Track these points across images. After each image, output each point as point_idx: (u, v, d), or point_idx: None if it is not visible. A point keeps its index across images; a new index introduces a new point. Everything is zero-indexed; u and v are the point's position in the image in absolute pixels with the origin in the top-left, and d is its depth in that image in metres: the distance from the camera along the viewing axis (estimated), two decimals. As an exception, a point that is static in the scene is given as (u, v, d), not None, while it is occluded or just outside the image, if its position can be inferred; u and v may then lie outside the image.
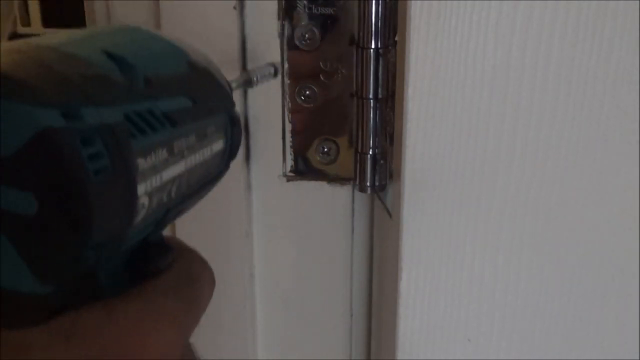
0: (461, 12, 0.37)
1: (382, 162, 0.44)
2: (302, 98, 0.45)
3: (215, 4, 0.43)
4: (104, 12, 0.45)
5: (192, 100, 0.27)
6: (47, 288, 0.21)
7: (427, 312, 0.42)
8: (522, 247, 0.41)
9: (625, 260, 0.42)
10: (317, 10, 0.43)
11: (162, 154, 0.24)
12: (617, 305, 0.43)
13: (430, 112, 0.39)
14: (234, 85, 0.35)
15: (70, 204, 0.20)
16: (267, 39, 0.44)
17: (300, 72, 0.45)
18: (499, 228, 0.41)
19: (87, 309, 0.23)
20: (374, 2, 0.41)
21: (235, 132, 0.31)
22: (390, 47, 0.42)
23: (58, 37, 0.24)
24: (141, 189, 0.23)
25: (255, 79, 0.38)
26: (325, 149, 0.46)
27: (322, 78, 0.45)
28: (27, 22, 3.09)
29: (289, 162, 0.47)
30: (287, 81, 0.45)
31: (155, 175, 0.24)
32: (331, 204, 0.48)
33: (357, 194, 0.48)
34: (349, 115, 0.45)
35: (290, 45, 0.44)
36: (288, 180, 0.48)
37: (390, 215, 0.44)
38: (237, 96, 0.45)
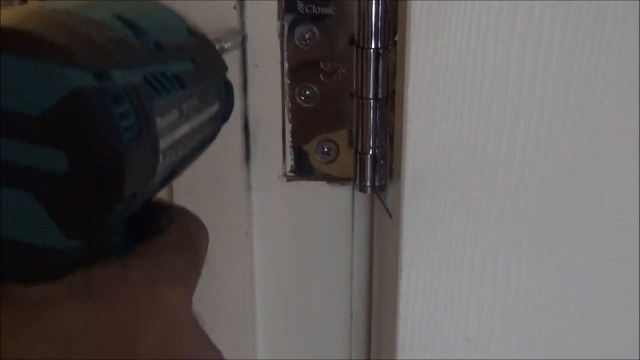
0: (461, 12, 0.37)
1: (382, 162, 0.44)
2: (302, 98, 0.45)
3: (215, 4, 0.43)
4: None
5: (195, 64, 0.28)
6: (72, 243, 0.22)
7: (427, 312, 0.42)
8: (522, 247, 0.41)
9: (625, 260, 0.42)
10: (317, 10, 0.43)
11: (174, 114, 0.25)
12: (617, 305, 0.43)
13: (430, 112, 0.39)
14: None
15: (104, 162, 0.20)
16: (267, 39, 0.44)
17: (300, 72, 0.45)
18: (499, 228, 0.41)
19: (103, 265, 0.23)
20: (374, 2, 0.41)
21: (228, 96, 0.32)
22: (390, 47, 0.42)
23: (68, 2, 0.25)
24: (160, 145, 0.23)
25: (225, 46, 0.39)
26: (325, 149, 0.46)
27: (322, 78, 0.45)
28: (27, 22, 3.08)
29: (289, 162, 0.47)
30: (287, 81, 0.45)
31: (169, 134, 0.25)
32: (331, 204, 0.48)
33: (357, 194, 0.48)
34: (349, 115, 0.45)
35: (290, 45, 0.44)
36: (288, 180, 0.48)
37: (390, 215, 0.44)
38: (237, 96, 0.45)
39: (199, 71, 0.28)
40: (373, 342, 0.51)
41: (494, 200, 0.40)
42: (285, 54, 0.45)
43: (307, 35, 0.44)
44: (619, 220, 0.41)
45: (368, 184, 0.45)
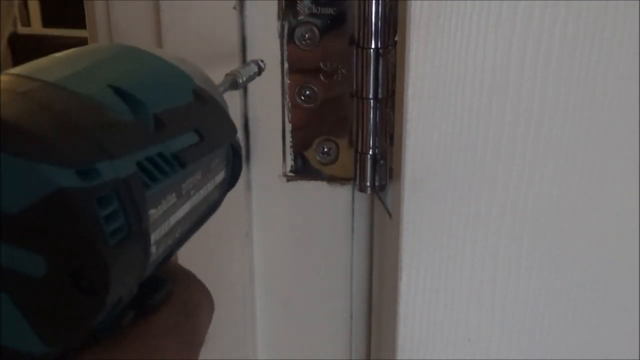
0: (461, 12, 0.37)
1: (382, 162, 0.44)
2: (302, 98, 0.45)
3: (215, 4, 0.43)
4: (104, 12, 0.45)
5: (200, 135, 0.26)
6: (50, 349, 0.20)
7: (427, 312, 0.42)
8: (522, 247, 0.41)
9: (625, 260, 0.42)
10: (317, 10, 0.43)
11: (172, 198, 0.23)
12: (617, 305, 0.43)
13: (430, 112, 0.39)
14: (220, 90, 0.34)
15: (87, 270, 0.19)
16: (267, 39, 0.44)
17: (300, 72, 0.45)
18: (499, 228, 0.41)
19: (86, 357, 0.21)
20: (374, 2, 0.41)
21: (236, 162, 0.30)
22: (390, 47, 0.42)
23: (60, 66, 0.23)
24: (152, 239, 0.22)
25: (240, 80, 0.38)
26: (325, 149, 0.46)
27: (322, 78, 0.45)
28: (27, 22, 3.09)
29: (289, 162, 0.47)
30: (287, 81, 0.45)
31: (165, 222, 0.23)
32: (331, 204, 0.48)
33: (357, 194, 0.48)
34: (349, 115, 0.45)
35: (290, 45, 0.44)
36: (288, 180, 0.48)
37: (390, 215, 0.44)
38: (237, 96, 0.45)
39: (203, 144, 0.26)
40: (373, 342, 0.51)
41: (494, 200, 0.40)
42: (285, 54, 0.45)
43: (307, 35, 0.44)
44: (619, 220, 0.41)
45: (368, 184, 0.45)
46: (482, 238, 0.41)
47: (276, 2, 0.44)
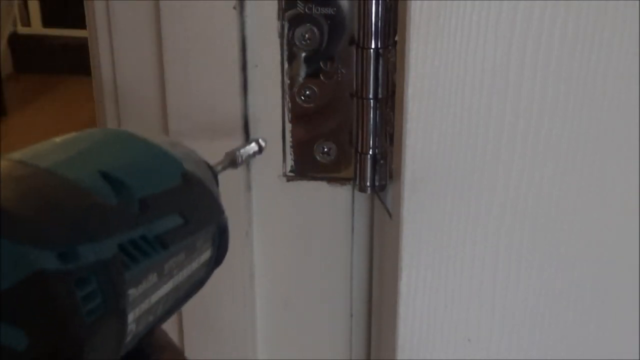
0: (461, 12, 0.37)
1: (382, 162, 0.44)
2: (302, 98, 0.45)
3: (215, 4, 0.43)
4: (104, 12, 0.45)
5: (184, 217, 0.27)
6: None
7: (427, 312, 0.42)
8: (522, 247, 0.41)
9: (625, 260, 0.42)
10: (317, 10, 0.43)
11: (153, 278, 0.24)
12: (617, 305, 0.43)
13: (430, 112, 0.39)
14: (218, 169, 0.35)
15: (62, 346, 0.20)
16: (267, 39, 0.44)
17: (300, 72, 0.45)
18: (499, 228, 0.41)
19: None
20: (374, 2, 0.41)
21: (223, 241, 0.31)
22: (390, 47, 0.42)
23: (55, 152, 0.24)
24: (130, 317, 0.23)
25: (239, 159, 0.38)
26: (325, 149, 0.46)
27: (322, 78, 0.45)
28: (27, 22, 3.09)
29: (289, 162, 0.47)
30: (287, 81, 0.45)
31: (145, 300, 0.24)
32: (331, 204, 0.48)
33: (357, 194, 0.48)
34: (349, 115, 0.45)
35: (290, 45, 0.44)
36: (288, 180, 0.48)
37: (390, 215, 0.44)
38: (237, 96, 0.45)
39: (187, 226, 0.27)
40: (373, 342, 0.51)
41: (493, 200, 0.40)
42: (285, 54, 0.45)
43: (307, 35, 0.44)
44: (619, 220, 0.41)
45: (368, 184, 0.45)
46: (482, 238, 0.41)
47: (276, 2, 0.44)
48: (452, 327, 0.43)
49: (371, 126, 0.44)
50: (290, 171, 0.47)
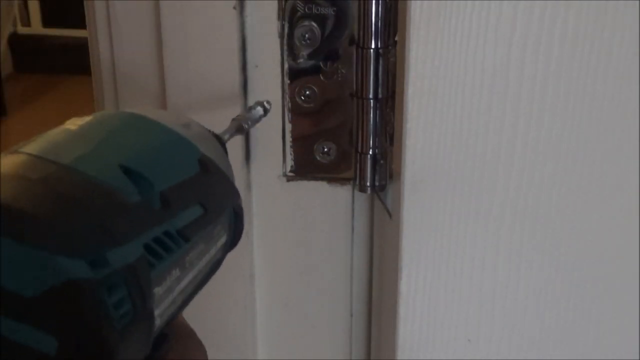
0: (461, 12, 0.37)
1: (382, 162, 0.44)
2: (302, 98, 0.45)
3: (215, 4, 0.43)
4: (104, 12, 0.45)
5: (204, 207, 0.27)
6: None
7: (427, 312, 0.42)
8: (522, 247, 0.41)
9: (625, 260, 0.42)
10: (317, 10, 0.43)
11: (175, 273, 0.24)
12: (617, 305, 0.43)
13: (430, 112, 0.39)
14: (226, 137, 0.35)
15: (94, 353, 0.20)
16: (267, 39, 0.44)
17: (300, 72, 0.45)
18: (499, 228, 0.41)
19: None
20: (374, 2, 0.41)
21: (238, 224, 0.31)
22: (390, 47, 0.42)
23: (73, 144, 0.24)
24: (156, 313, 0.23)
25: (246, 125, 0.38)
26: (325, 149, 0.46)
27: (322, 78, 0.45)
28: (27, 22, 3.08)
29: (289, 162, 0.47)
30: (287, 81, 0.45)
31: (169, 296, 0.24)
32: (331, 204, 0.48)
33: (357, 194, 0.48)
34: (349, 115, 0.45)
35: (290, 45, 0.44)
36: (288, 180, 0.48)
37: (390, 215, 0.44)
38: (237, 97, 0.45)
39: (207, 215, 0.27)
40: (373, 342, 0.51)
41: (494, 201, 0.40)
42: (285, 54, 0.45)
43: (307, 35, 0.44)
44: (619, 220, 0.41)
45: (368, 184, 0.45)
46: (482, 238, 0.41)
47: (276, 2, 0.44)
48: (452, 327, 0.43)
49: (371, 126, 0.44)
50: (290, 171, 0.47)
